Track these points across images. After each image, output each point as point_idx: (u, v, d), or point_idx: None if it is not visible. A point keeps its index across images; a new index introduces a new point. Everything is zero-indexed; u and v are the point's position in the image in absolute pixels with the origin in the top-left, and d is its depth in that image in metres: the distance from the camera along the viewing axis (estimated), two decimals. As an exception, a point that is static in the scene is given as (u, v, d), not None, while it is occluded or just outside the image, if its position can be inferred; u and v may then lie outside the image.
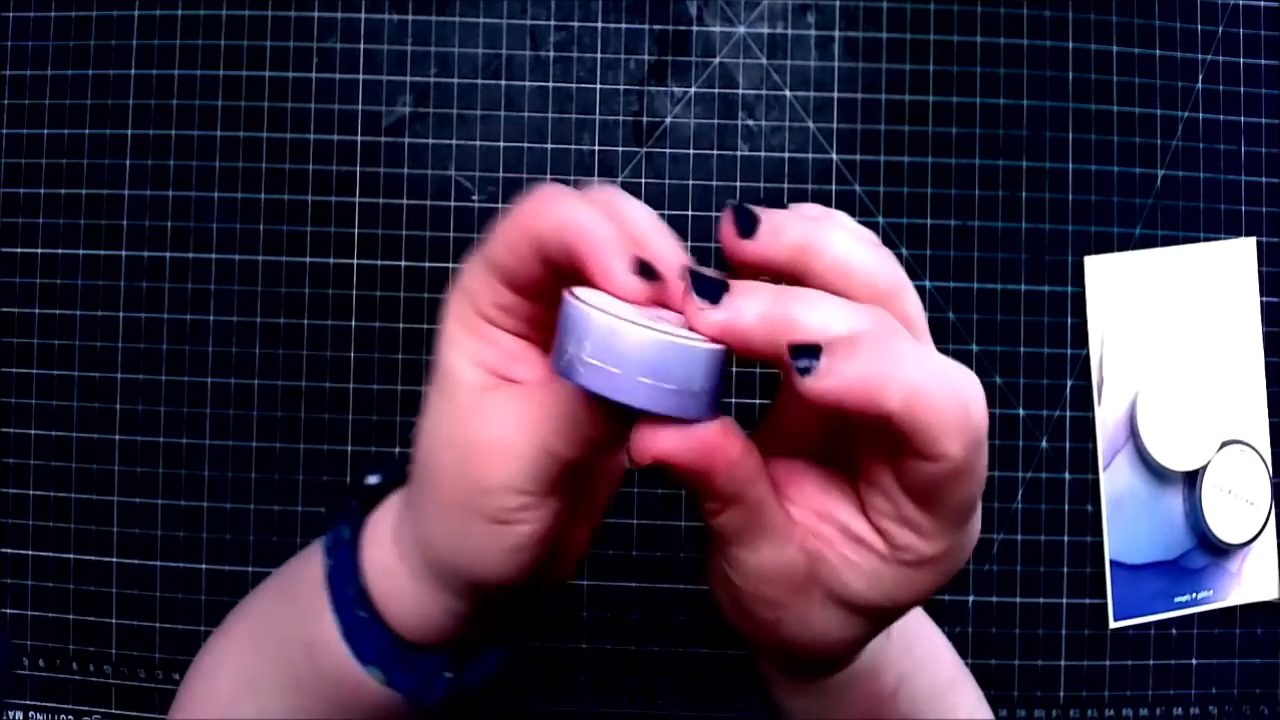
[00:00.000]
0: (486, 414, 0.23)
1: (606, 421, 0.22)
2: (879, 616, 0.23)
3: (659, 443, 0.20)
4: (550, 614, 0.44)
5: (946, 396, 0.19)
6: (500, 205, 0.44)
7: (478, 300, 0.24)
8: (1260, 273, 0.45)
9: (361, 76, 0.44)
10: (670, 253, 0.22)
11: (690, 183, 0.44)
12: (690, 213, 0.44)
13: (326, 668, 0.27)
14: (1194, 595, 0.44)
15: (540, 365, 0.24)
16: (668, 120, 0.44)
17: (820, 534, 0.23)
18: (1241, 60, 0.45)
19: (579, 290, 0.20)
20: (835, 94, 0.44)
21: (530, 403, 0.23)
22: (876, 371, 0.19)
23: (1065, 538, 0.44)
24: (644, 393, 0.19)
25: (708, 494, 0.22)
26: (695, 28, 0.44)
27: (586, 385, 0.19)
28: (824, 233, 0.22)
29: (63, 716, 0.43)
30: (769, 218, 0.22)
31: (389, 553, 0.26)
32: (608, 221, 0.21)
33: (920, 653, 0.29)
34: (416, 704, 0.27)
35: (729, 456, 0.21)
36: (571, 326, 0.20)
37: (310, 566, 0.28)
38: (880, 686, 0.27)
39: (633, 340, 0.19)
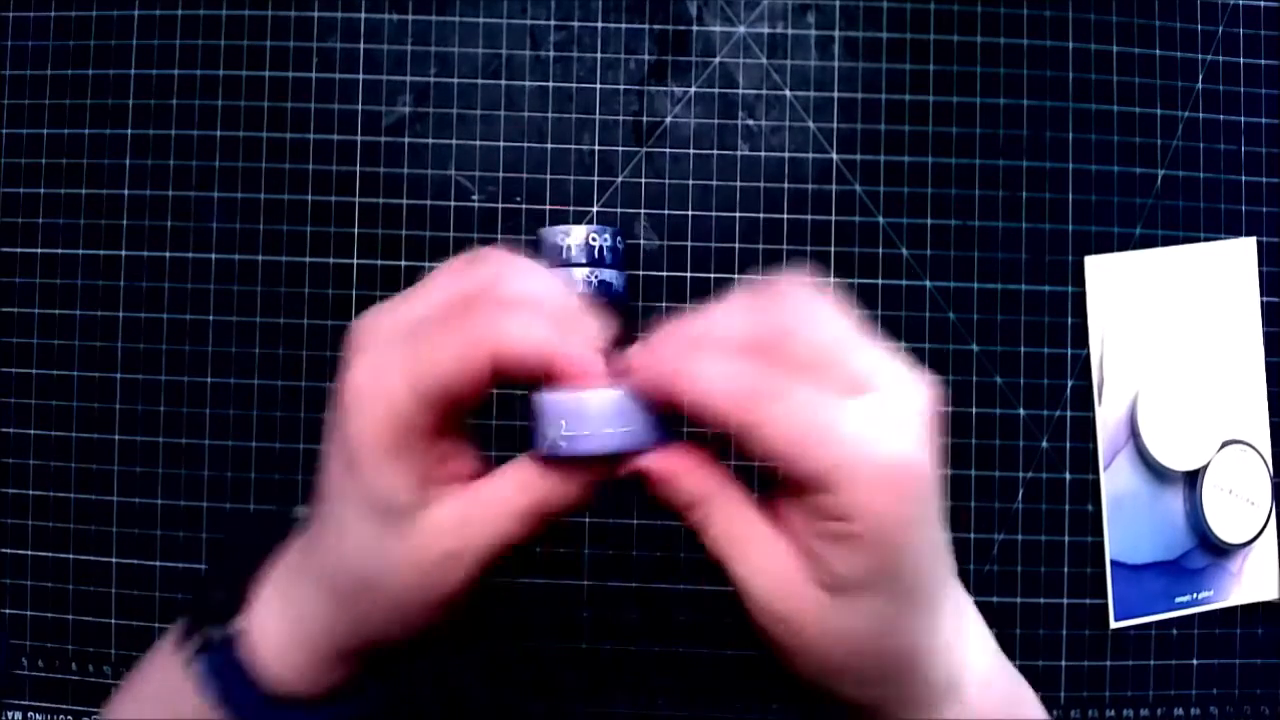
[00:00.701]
0: (434, 528, 0.24)
1: (577, 479, 0.26)
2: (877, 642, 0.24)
3: (635, 462, 0.25)
4: (550, 614, 0.44)
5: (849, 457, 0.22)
6: (500, 205, 0.44)
7: (407, 419, 0.24)
8: (1260, 273, 0.45)
9: (361, 76, 0.44)
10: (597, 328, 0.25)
11: (690, 183, 0.44)
12: (690, 213, 0.44)
13: None
14: (1194, 595, 0.44)
15: (463, 454, 0.26)
16: (668, 120, 0.44)
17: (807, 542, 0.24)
18: (1241, 60, 0.45)
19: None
20: (835, 94, 0.44)
21: (487, 504, 0.25)
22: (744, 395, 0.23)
23: (1065, 538, 0.44)
24: (615, 439, 0.24)
25: (676, 502, 0.25)
26: (695, 28, 0.44)
27: (573, 452, 0.25)
28: (688, 369, 0.24)
29: (62, 717, 0.43)
30: (638, 353, 0.25)
31: (282, 638, 0.26)
32: (566, 331, 0.24)
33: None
34: None
35: (686, 465, 0.25)
36: (549, 415, 0.25)
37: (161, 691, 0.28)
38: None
39: (596, 404, 0.24)
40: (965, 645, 0.27)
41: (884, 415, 0.23)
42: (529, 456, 0.26)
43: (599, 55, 0.44)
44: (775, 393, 0.22)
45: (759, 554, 0.24)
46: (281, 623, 0.26)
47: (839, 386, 0.23)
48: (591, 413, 0.24)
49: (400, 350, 0.24)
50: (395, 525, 0.24)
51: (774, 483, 0.25)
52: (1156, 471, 0.44)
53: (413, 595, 0.25)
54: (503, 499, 0.26)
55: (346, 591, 0.25)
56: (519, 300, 0.24)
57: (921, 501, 0.24)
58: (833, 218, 0.44)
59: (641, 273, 0.44)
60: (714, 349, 0.24)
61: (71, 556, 0.44)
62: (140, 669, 0.30)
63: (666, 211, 0.44)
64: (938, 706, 0.26)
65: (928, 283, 0.44)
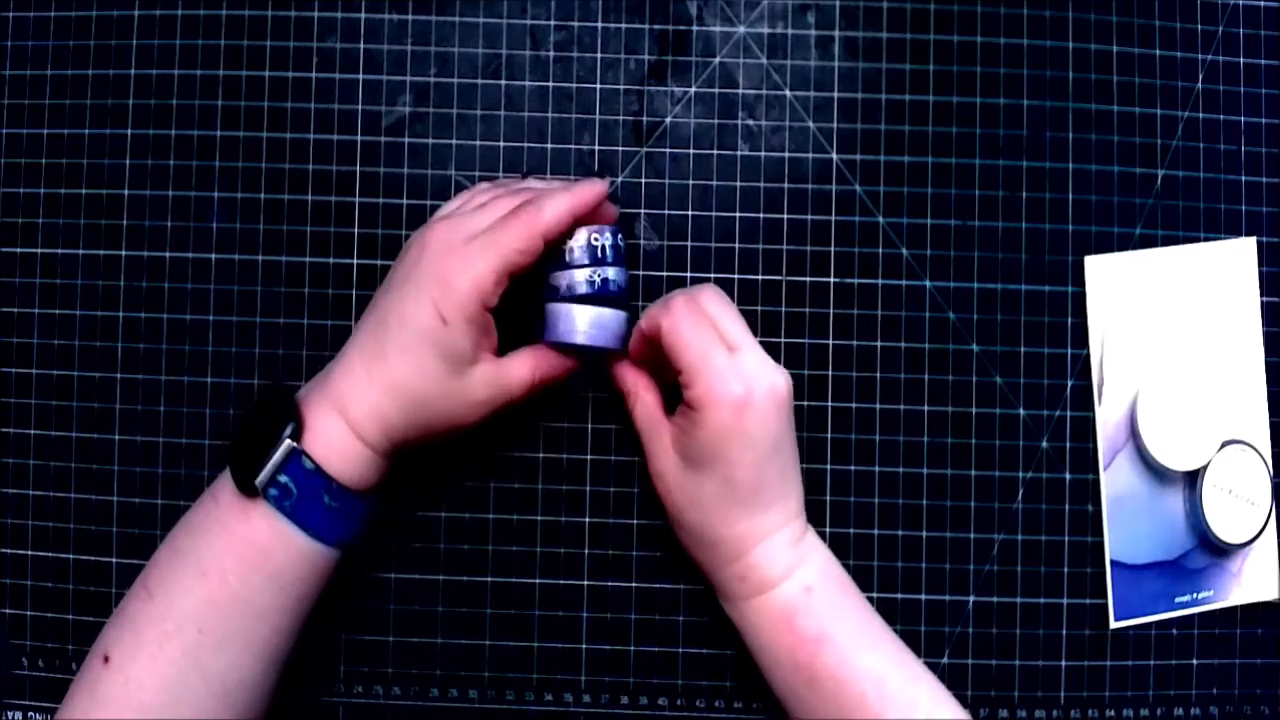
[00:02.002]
0: (479, 380, 0.37)
1: (566, 362, 0.40)
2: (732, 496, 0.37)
3: (612, 364, 0.41)
4: (550, 614, 0.44)
5: (701, 353, 0.36)
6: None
7: (488, 296, 0.36)
8: (1260, 273, 0.45)
9: (361, 76, 0.44)
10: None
11: (690, 183, 0.44)
12: (690, 213, 0.44)
13: (266, 548, 0.36)
14: (1194, 595, 0.44)
15: (492, 336, 0.38)
16: (668, 120, 0.44)
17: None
18: (1241, 60, 0.45)
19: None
20: (835, 94, 0.44)
21: (506, 368, 0.38)
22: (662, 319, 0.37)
23: (1065, 538, 0.44)
24: (600, 339, 0.39)
25: (620, 388, 0.40)
26: (695, 28, 0.44)
27: (581, 344, 0.38)
28: (653, 313, 0.38)
29: (62, 717, 0.43)
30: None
31: (347, 442, 0.37)
32: (578, 193, 0.38)
33: (846, 616, 0.38)
34: (344, 546, 0.38)
35: (629, 368, 0.40)
36: (567, 318, 0.39)
37: (207, 510, 0.37)
38: (795, 622, 0.37)
39: (592, 315, 0.38)
40: (777, 545, 0.37)
41: (740, 368, 0.36)
42: (539, 345, 0.39)
43: (599, 55, 0.44)
44: (690, 335, 0.36)
45: (658, 431, 0.39)
46: (353, 417, 0.36)
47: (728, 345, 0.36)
48: (589, 319, 0.38)
49: (482, 249, 0.36)
50: (457, 370, 0.36)
51: (672, 396, 0.38)
52: (1156, 471, 0.44)
53: (454, 417, 0.37)
54: (520, 369, 0.38)
55: (411, 403, 0.36)
56: (542, 194, 0.38)
57: (746, 425, 0.35)
58: (833, 218, 0.44)
59: (641, 273, 0.44)
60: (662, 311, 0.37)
61: (71, 556, 0.44)
62: (191, 513, 0.38)
63: (666, 211, 0.44)
64: (728, 570, 0.38)
65: (928, 283, 0.44)
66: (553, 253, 0.39)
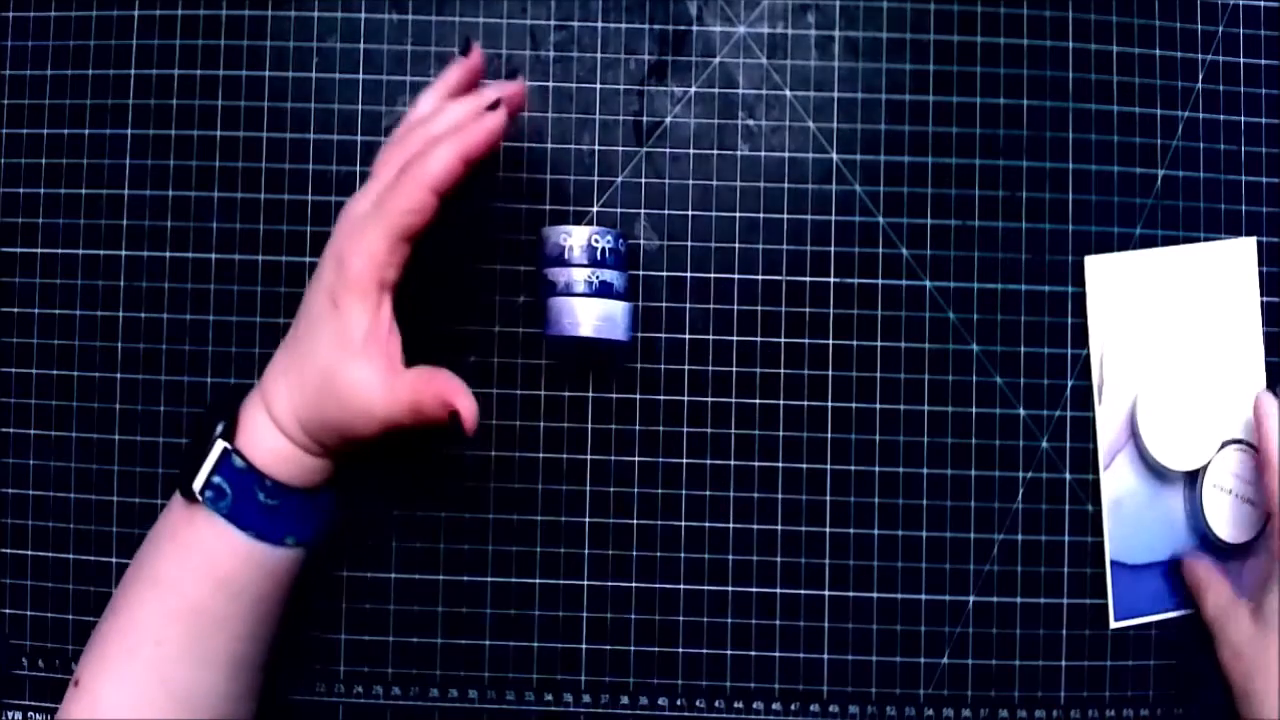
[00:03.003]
0: (364, 381, 0.34)
1: (463, 396, 0.35)
2: None
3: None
4: (550, 614, 0.44)
5: None
6: (500, 205, 0.44)
7: (383, 269, 0.34)
8: (1260, 273, 0.45)
9: (361, 76, 0.44)
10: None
11: (690, 183, 0.44)
12: (690, 212, 0.44)
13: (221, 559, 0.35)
14: (1194, 595, 0.44)
15: (396, 341, 0.35)
16: (668, 120, 0.44)
17: None
18: (1241, 60, 0.45)
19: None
20: (835, 94, 0.44)
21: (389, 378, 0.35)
22: None
23: (1065, 538, 0.44)
24: (607, 330, 0.38)
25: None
26: (695, 28, 0.44)
27: (588, 336, 0.38)
28: None
29: (62, 717, 0.43)
30: None
31: (275, 439, 0.35)
32: (470, 127, 0.34)
33: None
34: (304, 546, 0.37)
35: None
36: (570, 311, 0.38)
37: (168, 532, 0.36)
38: None
39: (603, 308, 0.39)
40: None
41: None
42: (439, 370, 0.35)
43: (599, 55, 0.44)
44: None
45: (1233, 615, 0.40)
46: (275, 414, 0.35)
47: None
48: (596, 312, 0.38)
49: (371, 219, 0.33)
50: (345, 364, 0.34)
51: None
52: (1156, 471, 0.44)
53: (348, 422, 0.34)
54: (405, 385, 0.34)
55: (313, 398, 0.34)
56: (431, 141, 0.34)
57: None
58: (833, 218, 0.44)
59: (641, 273, 0.44)
60: None
61: (71, 556, 0.44)
62: (153, 526, 0.37)
63: (666, 211, 0.44)
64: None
65: (928, 283, 0.44)
66: (549, 250, 0.39)
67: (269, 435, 0.35)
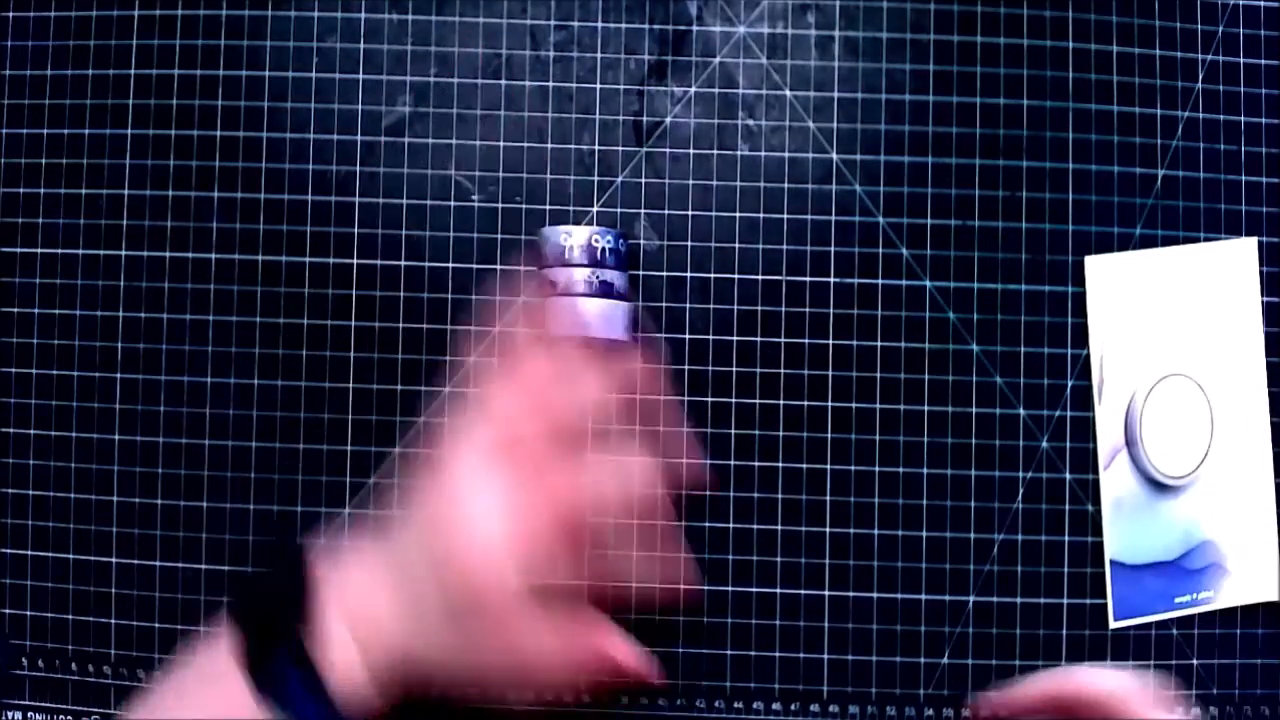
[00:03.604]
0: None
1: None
2: None
3: None
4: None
5: None
6: (500, 205, 0.44)
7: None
8: (1260, 273, 0.45)
9: (361, 76, 0.44)
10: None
11: (690, 183, 0.44)
12: (690, 213, 0.44)
13: None
14: (1194, 596, 0.44)
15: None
16: (668, 120, 0.44)
17: None
18: (1241, 60, 0.45)
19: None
20: (835, 94, 0.44)
21: None
22: None
23: (1065, 538, 0.44)
24: (608, 329, 0.37)
25: None
26: (695, 28, 0.44)
27: (591, 336, 0.37)
28: None
29: (62, 717, 0.43)
30: None
31: (352, 662, 0.30)
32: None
33: None
34: None
35: None
36: (572, 310, 0.37)
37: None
38: None
39: (604, 307, 0.38)
40: None
41: None
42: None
43: (599, 55, 0.44)
44: None
45: None
46: (361, 636, 0.30)
47: None
48: (597, 311, 0.38)
49: (496, 497, 0.28)
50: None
51: None
52: (1156, 472, 0.44)
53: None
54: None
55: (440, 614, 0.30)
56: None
57: None
58: (833, 218, 0.44)
59: (641, 273, 0.44)
60: None
61: (71, 556, 0.44)
62: (183, 668, 0.32)
63: (666, 211, 0.44)
64: None
65: (928, 283, 0.44)
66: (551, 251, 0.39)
67: (346, 656, 0.30)
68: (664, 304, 0.44)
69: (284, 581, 0.31)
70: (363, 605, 0.31)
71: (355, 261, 0.44)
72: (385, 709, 0.31)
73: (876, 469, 0.44)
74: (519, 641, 0.29)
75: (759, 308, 0.44)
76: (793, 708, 0.43)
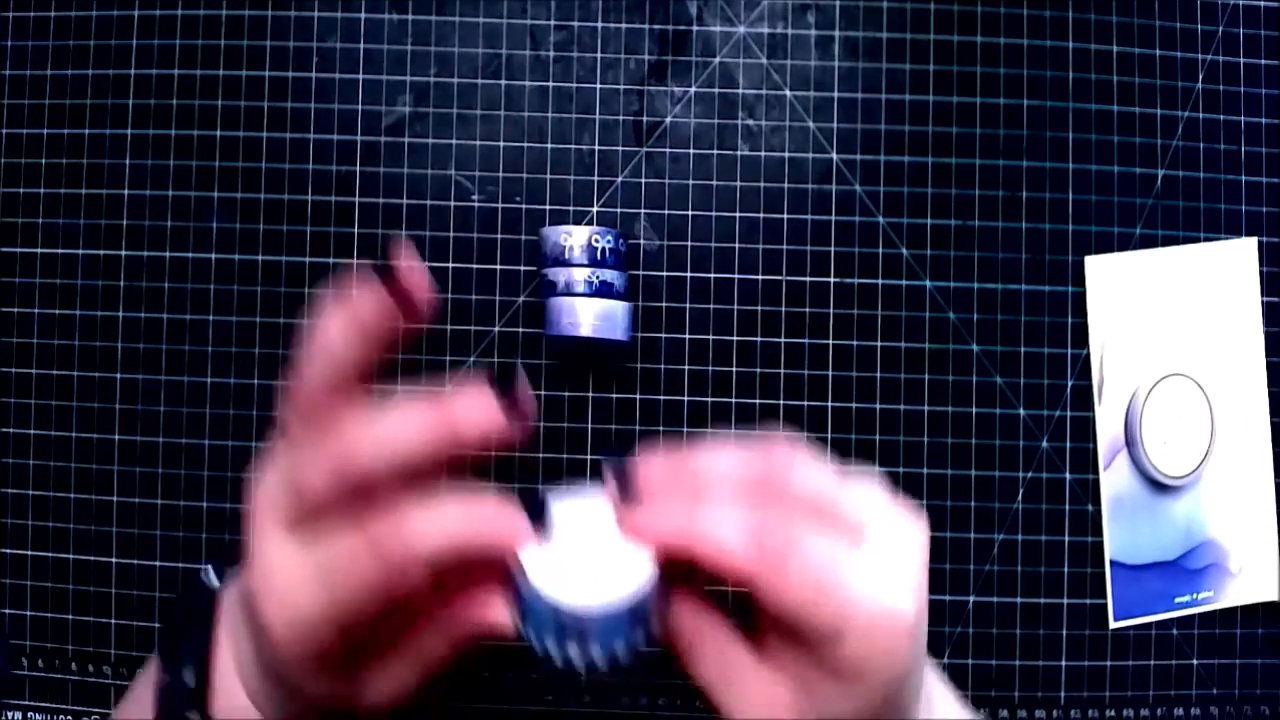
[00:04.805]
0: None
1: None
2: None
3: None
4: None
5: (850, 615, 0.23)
6: (500, 205, 0.44)
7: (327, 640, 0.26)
8: (1260, 273, 0.45)
9: (361, 76, 0.44)
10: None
11: (690, 183, 0.44)
12: (690, 213, 0.44)
13: None
14: (1194, 596, 0.44)
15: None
16: (668, 120, 0.44)
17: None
18: (1241, 60, 0.45)
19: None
20: (835, 94, 0.44)
21: None
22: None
23: (1065, 538, 0.44)
24: (606, 329, 0.35)
25: (674, 649, 0.27)
26: (695, 28, 0.44)
27: (588, 336, 0.37)
28: (701, 527, 0.25)
29: (62, 717, 0.43)
30: (646, 512, 0.26)
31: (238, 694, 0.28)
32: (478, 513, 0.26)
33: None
34: None
35: (679, 618, 0.27)
36: (570, 311, 0.35)
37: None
38: None
39: (602, 307, 0.35)
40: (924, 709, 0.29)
41: (886, 567, 0.24)
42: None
43: (599, 55, 0.44)
44: (788, 546, 0.24)
45: (748, 688, 0.26)
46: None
47: (838, 534, 0.24)
48: (595, 311, 0.34)
49: (309, 580, 0.25)
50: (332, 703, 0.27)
51: (757, 614, 0.27)
52: (1156, 472, 0.44)
53: None
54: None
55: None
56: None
57: (920, 645, 0.25)
58: (833, 218, 0.44)
59: (641, 273, 0.44)
60: (718, 501, 0.25)
61: (71, 556, 0.44)
62: (127, 696, 0.31)
63: (666, 211, 0.44)
64: None
65: (928, 283, 0.44)
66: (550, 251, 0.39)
67: (231, 701, 0.28)
68: (664, 304, 0.44)
69: (189, 618, 0.29)
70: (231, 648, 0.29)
71: (355, 262, 0.44)
72: None
73: (877, 469, 0.44)
74: (351, 700, 0.27)
75: (759, 308, 0.44)
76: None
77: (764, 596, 0.24)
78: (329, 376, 0.26)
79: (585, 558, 0.25)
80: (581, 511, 0.27)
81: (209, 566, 0.30)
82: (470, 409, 0.25)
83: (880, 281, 0.44)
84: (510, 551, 0.25)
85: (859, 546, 0.24)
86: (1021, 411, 0.44)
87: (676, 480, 0.26)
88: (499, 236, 0.44)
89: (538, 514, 0.26)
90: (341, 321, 0.25)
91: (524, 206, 0.44)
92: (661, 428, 0.43)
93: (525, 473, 0.44)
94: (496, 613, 0.27)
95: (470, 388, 0.26)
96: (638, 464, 0.26)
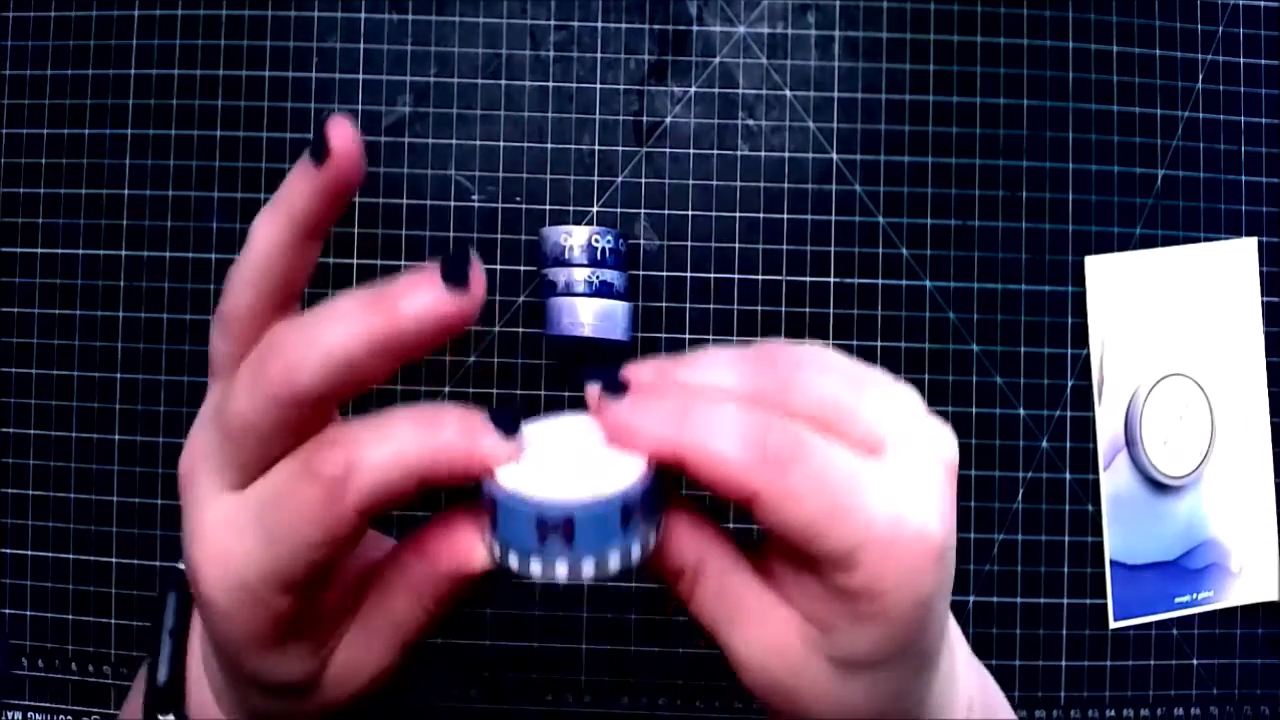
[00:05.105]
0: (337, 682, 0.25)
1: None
2: (888, 668, 0.22)
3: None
4: (550, 614, 0.44)
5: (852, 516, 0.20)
6: (500, 205, 0.44)
7: (277, 607, 0.23)
8: (1260, 273, 0.45)
9: (361, 76, 0.44)
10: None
11: (690, 183, 0.44)
12: (690, 213, 0.44)
13: None
14: (1194, 596, 0.44)
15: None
16: (668, 120, 0.44)
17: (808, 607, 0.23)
18: (1241, 60, 0.45)
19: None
20: (835, 94, 0.44)
21: None
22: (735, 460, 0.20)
23: (1065, 538, 0.44)
24: (606, 329, 0.34)
25: (664, 571, 0.24)
26: (695, 28, 0.44)
27: (588, 336, 0.37)
28: (692, 431, 0.21)
29: (62, 717, 0.43)
30: (634, 408, 0.22)
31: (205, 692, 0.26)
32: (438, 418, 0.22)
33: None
34: None
35: (675, 532, 0.24)
36: (570, 310, 0.35)
37: None
38: None
39: (602, 307, 0.36)
40: (956, 682, 0.26)
41: (909, 482, 0.20)
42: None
43: (599, 55, 0.44)
44: (795, 454, 0.20)
45: (756, 623, 0.23)
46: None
47: (853, 442, 0.21)
48: (595, 311, 0.33)
49: (246, 527, 0.21)
50: (299, 695, 0.23)
51: (764, 541, 0.24)
52: (1156, 472, 0.44)
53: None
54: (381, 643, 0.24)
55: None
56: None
57: (947, 574, 0.21)
58: (833, 218, 0.44)
59: (641, 273, 0.44)
60: (716, 401, 0.21)
61: (71, 556, 0.44)
62: (129, 696, 0.31)
63: (666, 211, 0.44)
64: None
65: (928, 283, 0.44)
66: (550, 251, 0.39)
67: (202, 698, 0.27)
68: (664, 304, 0.44)
69: (164, 615, 0.28)
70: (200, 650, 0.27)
71: (355, 262, 0.44)
72: None
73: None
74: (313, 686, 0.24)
75: (759, 308, 0.44)
76: (793, 708, 0.43)
77: (766, 514, 0.20)
78: (260, 287, 0.23)
79: (568, 463, 0.22)
80: (560, 429, 0.23)
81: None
82: (417, 295, 0.21)
83: (880, 281, 0.44)
84: (479, 471, 0.21)
85: (878, 457, 0.21)
86: (1021, 411, 0.44)
87: (667, 388, 0.22)
88: (499, 236, 0.44)
89: (509, 431, 0.22)
90: (274, 213, 0.23)
91: (524, 206, 0.44)
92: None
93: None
94: (466, 542, 0.23)
95: (415, 272, 0.22)
96: (624, 372, 0.23)
